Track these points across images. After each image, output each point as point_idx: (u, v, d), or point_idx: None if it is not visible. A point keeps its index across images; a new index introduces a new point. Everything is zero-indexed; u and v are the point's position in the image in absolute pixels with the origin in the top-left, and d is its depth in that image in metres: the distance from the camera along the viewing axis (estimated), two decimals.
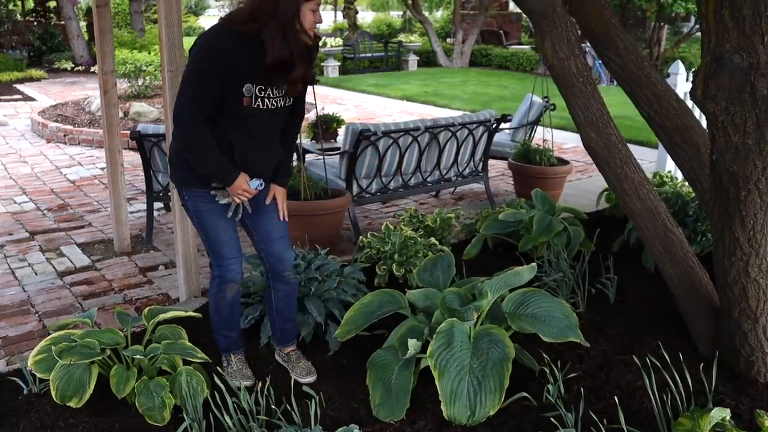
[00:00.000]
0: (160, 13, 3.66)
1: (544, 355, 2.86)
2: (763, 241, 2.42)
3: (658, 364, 2.75)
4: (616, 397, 2.56)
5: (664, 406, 2.49)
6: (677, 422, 2.22)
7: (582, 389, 2.72)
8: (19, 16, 20.43)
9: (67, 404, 2.76)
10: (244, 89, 2.62)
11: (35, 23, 20.50)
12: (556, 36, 2.90)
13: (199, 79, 2.58)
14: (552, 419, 2.55)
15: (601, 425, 2.40)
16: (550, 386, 2.66)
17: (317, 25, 2.67)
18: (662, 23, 16.50)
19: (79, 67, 18.20)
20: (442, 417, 2.64)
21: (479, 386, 2.51)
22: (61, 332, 2.92)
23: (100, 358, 2.77)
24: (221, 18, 2.71)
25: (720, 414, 2.11)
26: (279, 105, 2.75)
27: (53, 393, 2.76)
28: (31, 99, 13.30)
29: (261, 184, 2.75)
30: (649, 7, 16.09)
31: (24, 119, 10.94)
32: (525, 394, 2.72)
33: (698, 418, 2.13)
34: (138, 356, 2.81)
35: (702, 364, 2.70)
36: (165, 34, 3.63)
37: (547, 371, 2.75)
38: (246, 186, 2.70)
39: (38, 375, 2.86)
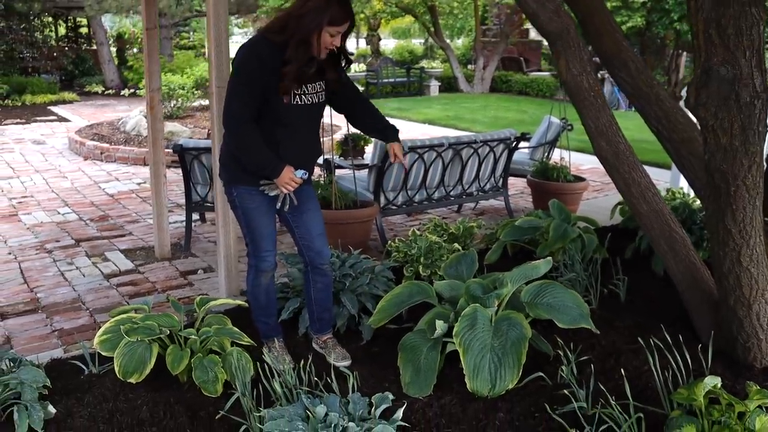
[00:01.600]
0: (209, 34, 4.04)
1: (559, 340, 3.16)
2: (753, 232, 2.72)
3: (663, 349, 3.03)
4: (624, 374, 2.84)
5: (667, 383, 2.77)
6: (676, 392, 2.50)
7: (593, 371, 3.00)
8: (53, 41, 21.15)
9: (128, 380, 3.08)
10: None
11: (67, 48, 21.20)
12: (570, 55, 3.22)
13: (244, 86, 2.95)
14: (566, 393, 2.84)
15: (610, 398, 2.68)
16: (564, 367, 2.95)
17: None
18: (680, 51, 16.82)
19: (110, 91, 18.82)
20: (465, 394, 2.95)
21: (499, 362, 2.81)
22: (123, 315, 3.25)
23: (161, 337, 3.10)
24: (259, 29, 3.10)
25: (712, 381, 2.39)
26: (314, 101, 3.11)
27: (116, 368, 3.08)
28: (66, 120, 13.84)
29: (305, 174, 3.07)
30: (667, 35, 16.43)
31: (60, 138, 11.43)
32: (541, 374, 3.02)
33: (693, 387, 2.41)
34: (192, 336, 3.13)
35: (700, 346, 2.99)
36: (214, 54, 4.00)
37: (561, 354, 3.05)
38: (292, 175, 3.02)
39: (103, 353, 3.18)
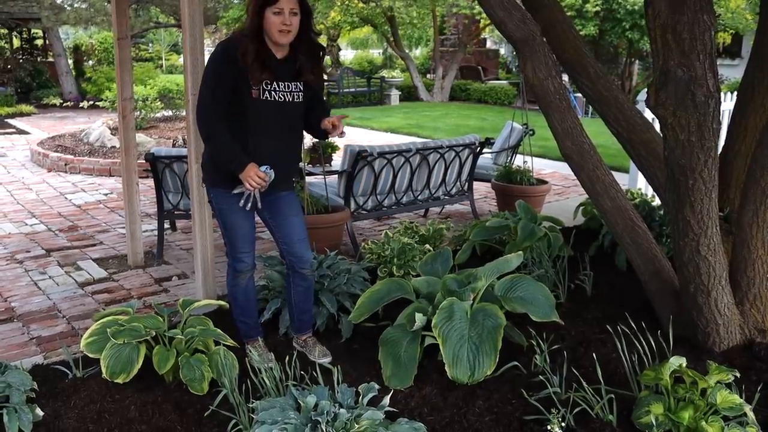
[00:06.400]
0: (185, 42, 4.12)
1: (531, 331, 3.32)
2: (710, 223, 2.93)
3: (630, 335, 3.21)
4: (595, 358, 3.01)
5: (635, 367, 2.95)
6: (644, 373, 2.68)
7: (565, 359, 3.16)
8: (8, 53, 20.83)
9: (115, 380, 3.15)
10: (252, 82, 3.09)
11: (22, 60, 20.91)
12: (536, 60, 3.39)
13: (213, 79, 3.09)
14: (541, 380, 2.99)
15: (583, 381, 2.85)
16: (537, 356, 3.11)
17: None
18: (633, 59, 17.36)
19: (68, 103, 18.59)
20: (444, 384, 3.09)
21: (477, 351, 2.96)
22: (109, 318, 3.32)
23: (147, 338, 3.18)
24: (232, 30, 3.24)
25: (677, 361, 2.57)
26: (287, 99, 3.19)
27: (103, 369, 3.15)
28: (25, 132, 13.66)
29: (269, 169, 3.10)
30: (620, 43, 16.93)
31: (22, 150, 11.30)
32: (516, 363, 3.18)
33: (660, 367, 2.59)
34: (178, 336, 3.21)
35: (660, 332, 3.18)
36: (189, 61, 4.09)
37: (534, 344, 3.21)
38: (256, 170, 3.07)
39: (90, 355, 3.24)
